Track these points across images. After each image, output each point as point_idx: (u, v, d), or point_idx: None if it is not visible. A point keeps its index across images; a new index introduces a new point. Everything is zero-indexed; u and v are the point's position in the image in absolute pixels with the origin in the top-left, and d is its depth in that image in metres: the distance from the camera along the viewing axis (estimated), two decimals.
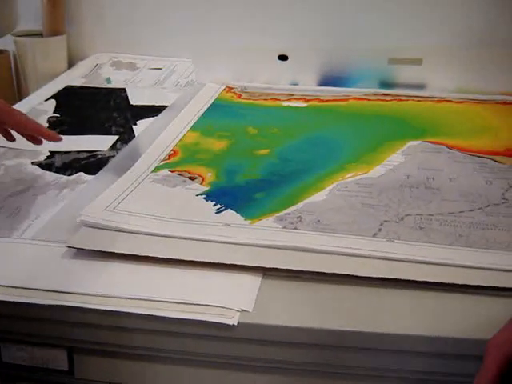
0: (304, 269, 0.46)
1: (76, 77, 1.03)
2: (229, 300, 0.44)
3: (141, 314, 0.44)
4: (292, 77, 0.92)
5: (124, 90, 0.94)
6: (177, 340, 0.45)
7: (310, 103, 0.84)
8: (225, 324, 0.42)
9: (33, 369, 0.51)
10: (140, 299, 0.45)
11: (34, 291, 0.47)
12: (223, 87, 0.90)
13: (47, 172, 0.67)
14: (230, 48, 0.94)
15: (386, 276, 0.45)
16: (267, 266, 0.47)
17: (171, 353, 0.47)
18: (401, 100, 0.84)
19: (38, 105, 0.89)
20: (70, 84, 0.99)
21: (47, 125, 0.80)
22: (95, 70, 1.07)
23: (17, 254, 0.52)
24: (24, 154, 0.72)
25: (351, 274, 0.46)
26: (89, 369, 0.50)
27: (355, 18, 1.00)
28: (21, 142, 0.74)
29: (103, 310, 0.45)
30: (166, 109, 0.84)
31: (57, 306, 0.46)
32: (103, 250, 0.49)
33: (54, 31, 1.16)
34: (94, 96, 0.93)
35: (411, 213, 0.54)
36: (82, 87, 0.98)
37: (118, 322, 0.45)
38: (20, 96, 1.12)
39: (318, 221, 0.53)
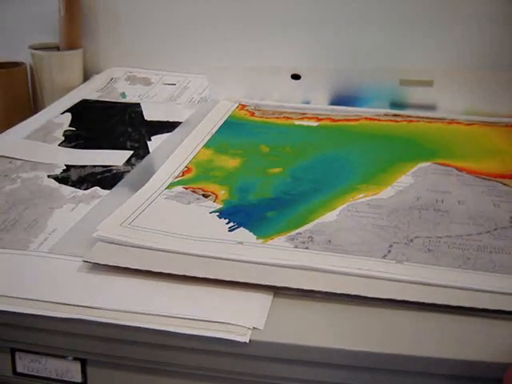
0: (315, 288, 0.47)
1: (91, 91, 1.05)
2: (241, 318, 0.45)
3: (154, 330, 0.45)
4: (304, 95, 0.93)
5: (138, 104, 0.96)
6: (189, 355, 0.46)
7: (322, 122, 0.85)
8: (237, 341, 0.43)
9: (46, 379, 0.53)
10: (153, 315, 0.46)
11: (49, 304, 0.48)
12: (236, 105, 0.92)
13: (63, 185, 0.68)
14: (244, 66, 0.96)
15: (395, 297, 0.46)
16: (279, 285, 0.48)
17: (183, 368, 0.47)
18: (412, 121, 0.85)
19: (54, 118, 0.90)
20: (85, 98, 1.00)
21: (63, 138, 0.82)
22: (110, 84, 1.09)
23: (33, 267, 0.53)
24: (40, 167, 0.73)
25: (361, 294, 0.47)
26: (102, 381, 0.51)
27: (368, 38, 1.01)
28: (37, 154, 0.76)
29: (117, 325, 0.46)
30: (180, 125, 0.85)
31: (72, 319, 0.47)
32: (118, 265, 0.50)
33: (71, 45, 1.17)
34: (109, 110, 0.94)
35: (420, 235, 0.55)
36: (97, 101, 0.99)
37: (132, 336, 0.46)
38: (36, 108, 1.13)
39: (329, 241, 0.54)
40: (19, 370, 0.53)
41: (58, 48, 1.19)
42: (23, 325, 0.49)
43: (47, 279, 0.51)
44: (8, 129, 0.88)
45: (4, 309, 0.48)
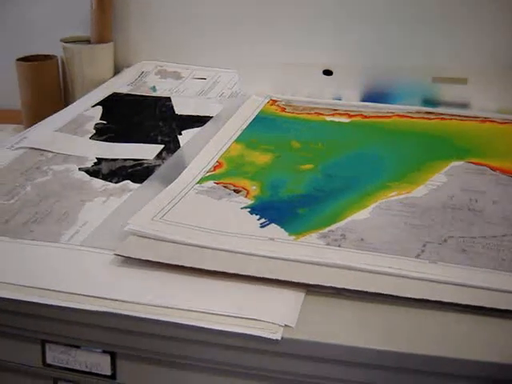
0: (347, 287, 0.47)
1: (122, 84, 1.05)
2: (273, 315, 0.44)
3: (184, 324, 0.45)
4: (336, 92, 0.93)
5: (169, 98, 0.96)
6: (220, 351, 0.46)
7: (354, 119, 0.84)
8: (269, 338, 0.43)
9: (76, 371, 0.53)
10: (184, 309, 0.45)
11: (80, 296, 0.48)
12: (267, 100, 0.91)
13: (94, 178, 0.68)
14: (276, 61, 0.95)
15: (429, 298, 0.45)
16: (311, 283, 0.47)
17: (213, 363, 0.47)
18: (444, 119, 0.84)
19: (84, 111, 0.91)
20: (116, 91, 1.00)
21: (94, 131, 0.82)
22: (140, 78, 1.09)
23: (64, 259, 0.53)
24: (72, 160, 0.73)
25: (394, 294, 0.46)
26: (131, 375, 0.51)
27: (401, 34, 1.00)
28: (68, 147, 0.76)
29: (147, 319, 0.46)
30: (211, 119, 0.85)
31: (102, 312, 0.47)
32: (150, 259, 0.50)
33: (102, 38, 1.18)
34: (139, 104, 0.94)
35: (454, 235, 0.54)
36: (128, 94, 0.99)
37: (162, 330, 0.46)
38: (66, 101, 1.14)
39: (362, 239, 0.53)
40: (49, 361, 0.53)
41: (89, 41, 1.19)
42: (54, 317, 0.50)
43: (78, 272, 0.51)
44: (39, 121, 0.89)
45: (35, 300, 0.49)
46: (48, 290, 0.49)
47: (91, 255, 0.53)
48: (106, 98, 0.97)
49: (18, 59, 1.13)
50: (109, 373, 0.51)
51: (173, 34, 1.22)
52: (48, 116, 0.91)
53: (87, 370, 0.52)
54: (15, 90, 1.16)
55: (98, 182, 0.67)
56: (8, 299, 0.49)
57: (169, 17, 1.21)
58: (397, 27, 1.02)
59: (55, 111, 0.93)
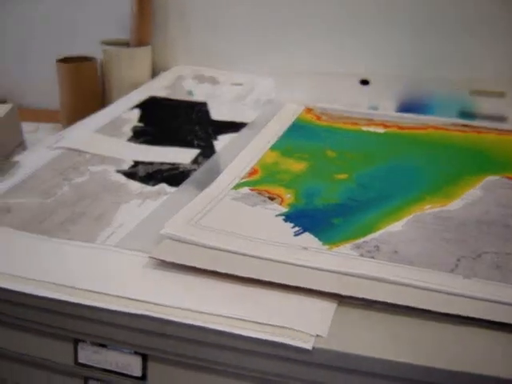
0: (379, 299, 0.47)
1: (159, 88, 1.06)
2: (304, 324, 0.44)
3: (217, 330, 0.45)
4: (372, 101, 0.93)
5: (205, 103, 0.96)
6: (249, 358, 0.46)
7: (389, 129, 0.84)
8: (300, 347, 0.43)
9: (106, 371, 0.53)
10: (216, 315, 0.46)
11: (114, 298, 0.49)
12: (303, 108, 0.91)
13: (131, 181, 0.69)
14: (313, 69, 0.95)
15: (462, 313, 0.45)
16: (343, 293, 0.47)
17: (242, 370, 0.48)
18: (481, 132, 0.83)
19: (122, 113, 0.92)
20: (153, 94, 1.01)
21: (131, 134, 0.83)
22: (178, 82, 1.10)
23: (99, 260, 0.54)
24: (109, 161, 0.74)
25: (427, 308, 0.46)
26: (161, 377, 0.52)
27: (440, 45, 1.00)
28: (106, 148, 0.77)
29: (180, 323, 0.46)
30: (247, 126, 0.86)
31: (136, 314, 0.47)
32: (185, 263, 0.51)
33: (141, 41, 1.19)
34: (176, 108, 0.95)
35: (488, 250, 0.54)
36: (165, 98, 1.00)
37: (194, 335, 0.47)
38: (104, 103, 1.15)
39: (395, 251, 0.53)
40: (81, 360, 0.54)
41: (128, 44, 1.21)
42: (87, 316, 0.50)
43: (113, 273, 0.52)
44: (78, 122, 0.90)
45: (70, 300, 0.49)
46: (82, 289, 0.50)
47: (126, 257, 0.54)
48: (144, 101, 0.98)
49: (59, 60, 1.15)
50: (139, 374, 0.52)
51: (211, 38, 1.23)
52: (86, 117, 0.92)
53: (118, 370, 0.53)
54: (55, 90, 1.18)
55: (135, 185, 0.68)
56: (43, 297, 0.50)
57: (207, 22, 1.22)
58: (436, 38, 1.01)
59: (93, 112, 0.94)
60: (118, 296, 0.49)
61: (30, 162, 0.75)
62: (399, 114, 0.89)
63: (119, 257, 0.54)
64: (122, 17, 1.24)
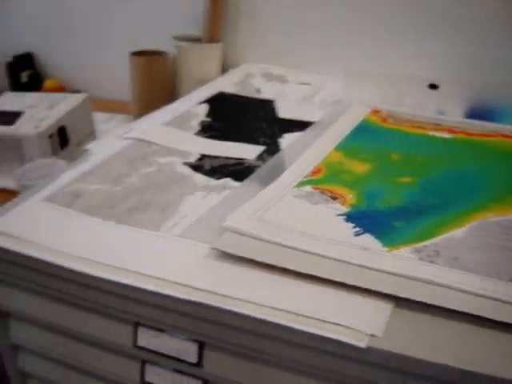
0: (436, 303, 0.47)
1: (228, 84, 1.08)
2: (360, 323, 0.45)
3: (274, 323, 0.46)
4: (439, 106, 0.92)
5: (273, 101, 0.97)
6: (306, 353, 0.47)
7: (456, 135, 0.83)
8: (354, 345, 0.43)
9: (163, 356, 0.55)
10: (273, 308, 0.47)
11: (175, 284, 0.50)
12: (369, 109, 0.91)
13: (197, 173, 0.70)
14: (381, 71, 0.95)
15: None
16: (400, 295, 0.48)
17: (294, 363, 0.49)
18: None
19: (191, 107, 0.94)
20: (222, 90, 1.03)
21: (199, 128, 0.85)
22: (246, 80, 1.11)
23: (163, 248, 0.56)
24: (176, 154, 0.76)
25: (484, 316, 0.46)
26: (217, 364, 0.53)
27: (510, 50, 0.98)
28: (174, 141, 0.79)
29: (239, 313, 0.47)
30: (313, 125, 0.86)
31: (195, 302, 0.49)
32: (245, 256, 0.52)
33: (212, 38, 1.21)
34: (244, 104, 0.96)
35: None
36: (233, 95, 1.01)
37: (251, 325, 0.48)
38: (174, 96, 1.18)
39: (456, 258, 0.53)
40: (140, 343, 0.56)
41: (199, 40, 1.23)
42: (149, 301, 0.52)
43: (175, 261, 0.54)
44: (148, 114, 0.92)
45: (134, 284, 0.51)
46: (145, 275, 0.52)
47: (188, 246, 0.56)
48: (212, 96, 0.99)
49: (132, 53, 1.18)
50: (195, 360, 0.54)
51: (280, 38, 1.24)
52: (156, 109, 0.94)
53: (175, 355, 0.54)
54: (127, 82, 1.21)
55: (200, 177, 0.69)
56: (107, 280, 0.52)
57: (278, 21, 1.23)
58: (506, 44, 1.00)
59: (163, 105, 0.96)
60: (178, 283, 0.50)
61: (100, 150, 0.78)
62: (467, 121, 0.88)
63: (182, 246, 0.56)
64: (195, 13, 1.26)
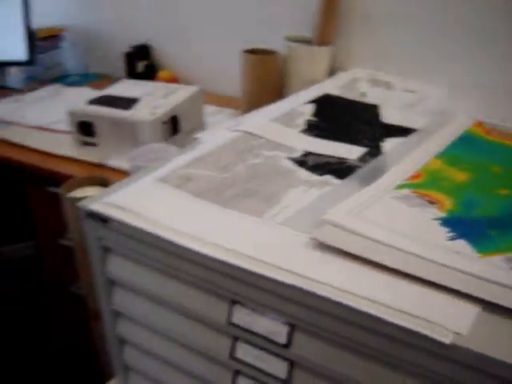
0: None
1: (334, 86, 1.11)
2: (446, 320, 0.47)
3: (364, 312, 0.49)
4: None
5: (377, 106, 0.99)
6: (392, 344, 0.50)
7: None
8: (439, 341, 0.46)
9: (253, 334, 0.59)
10: (366, 299, 0.50)
11: (274, 267, 0.54)
12: (473, 121, 0.92)
13: (300, 169, 0.74)
14: (487, 84, 0.96)
15: None
16: (488, 300, 0.49)
17: (384, 354, 0.51)
18: None
19: (298, 106, 0.97)
20: (328, 92, 1.06)
21: (305, 126, 0.88)
22: (353, 83, 1.13)
23: (265, 234, 0.60)
24: (281, 148, 0.80)
25: None
26: (305, 348, 0.56)
27: None
28: (280, 136, 0.83)
29: (333, 300, 0.50)
30: (415, 132, 0.88)
31: (291, 285, 0.52)
32: (343, 248, 0.55)
33: (323, 41, 1.25)
34: (348, 107, 0.99)
35: None
36: (338, 97, 1.04)
37: (342, 313, 0.51)
38: (282, 94, 1.22)
39: None
40: (234, 320, 0.60)
41: (310, 42, 1.27)
42: (247, 281, 0.56)
43: (276, 246, 0.57)
44: (256, 109, 0.97)
45: (234, 263, 0.55)
46: (246, 255, 0.56)
47: (289, 234, 0.59)
48: (319, 97, 1.03)
49: (245, 51, 1.23)
50: (284, 342, 0.57)
51: (390, 45, 1.26)
52: (264, 106, 0.98)
53: (265, 335, 0.58)
54: (237, 78, 1.26)
55: (303, 173, 0.73)
56: (210, 257, 0.57)
57: (389, 30, 1.25)
58: None
59: (270, 103, 1.00)
60: (277, 266, 0.54)
61: (210, 140, 0.83)
62: None
63: (282, 233, 0.59)
64: (306, 15, 1.30)
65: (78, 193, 0.85)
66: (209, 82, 1.41)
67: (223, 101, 1.41)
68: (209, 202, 0.65)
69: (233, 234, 0.59)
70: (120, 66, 1.72)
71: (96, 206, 0.66)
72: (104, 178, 0.87)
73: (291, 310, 0.55)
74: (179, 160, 0.76)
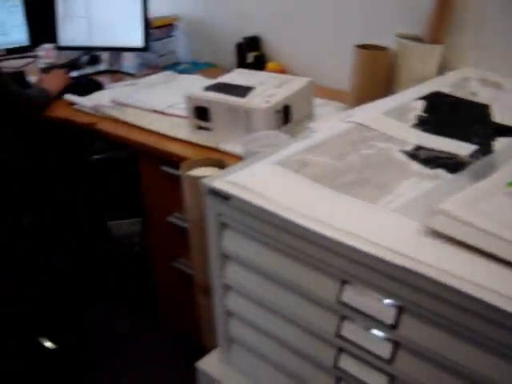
0: None
1: (444, 84, 1.11)
2: None
3: (473, 297, 0.51)
4: None
5: (488, 106, 1.00)
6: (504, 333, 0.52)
7: None
8: None
9: (359, 313, 0.62)
10: (473, 283, 0.52)
11: (387, 250, 0.57)
12: None
13: (412, 161, 0.76)
14: None
15: None
16: None
17: (494, 342, 0.53)
18: None
19: (409, 102, 0.99)
20: (438, 90, 1.07)
21: (416, 121, 0.90)
22: (462, 83, 1.14)
23: (380, 219, 0.63)
24: (393, 141, 0.82)
25: None
26: (411, 330, 0.59)
27: None
28: (392, 129, 0.86)
29: (445, 284, 0.53)
30: None
31: (403, 267, 0.55)
32: (457, 237, 0.57)
33: (435, 39, 1.25)
34: (459, 105, 1.00)
35: None
36: (449, 95, 1.05)
37: (451, 296, 0.53)
38: (390, 90, 1.24)
39: None
40: (343, 299, 0.63)
41: (420, 40, 1.28)
42: (360, 261, 0.59)
43: (389, 230, 0.61)
44: (365, 103, 0.99)
45: (347, 243, 0.59)
46: (360, 237, 0.60)
47: (402, 221, 0.62)
48: (429, 94, 1.04)
49: (357, 46, 1.26)
50: (391, 322, 0.60)
51: (502, 46, 1.25)
52: (373, 100, 1.01)
53: (373, 314, 0.61)
54: (344, 72, 1.29)
55: (415, 165, 0.75)
56: (326, 237, 0.61)
57: (504, 31, 1.24)
58: None
59: (379, 97, 1.03)
60: (389, 249, 0.57)
61: (323, 129, 0.86)
62: None
63: (396, 219, 0.63)
64: (417, 13, 1.31)
65: (196, 172, 0.90)
66: (315, 75, 1.44)
67: (330, 94, 1.44)
68: (325, 186, 0.69)
69: (348, 217, 0.63)
70: (229, 55, 1.77)
71: (218, 184, 0.70)
72: (221, 159, 0.92)
73: (401, 291, 0.58)
74: (295, 146, 0.80)
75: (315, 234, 0.61)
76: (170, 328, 1.66)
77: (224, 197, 0.70)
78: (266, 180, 0.71)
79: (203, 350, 0.93)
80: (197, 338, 1.22)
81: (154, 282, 1.58)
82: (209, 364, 0.88)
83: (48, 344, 1.67)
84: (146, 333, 1.76)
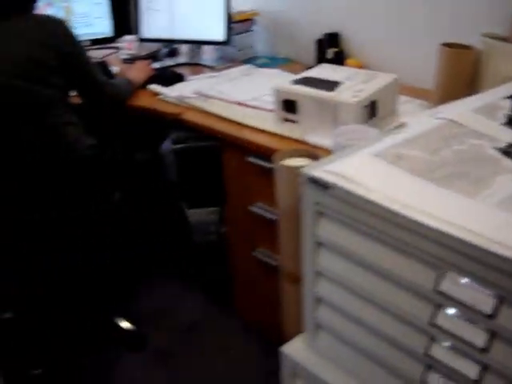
0: None
1: None
2: None
3: None
4: None
5: None
6: None
7: None
8: None
9: (458, 302, 0.64)
10: None
11: (487, 240, 0.59)
12: None
13: (506, 158, 0.77)
14: None
15: None
16: None
17: None
18: None
19: (496, 101, 1.00)
20: None
21: (505, 120, 0.91)
22: None
23: (481, 211, 0.65)
24: (484, 138, 0.83)
25: None
26: (510, 319, 0.60)
27: None
28: (482, 126, 0.87)
29: None
30: None
31: (503, 256, 0.57)
32: None
33: None
34: None
35: None
36: None
37: None
38: (474, 88, 1.24)
39: None
40: (441, 287, 0.65)
41: (506, 39, 1.28)
42: (460, 250, 0.61)
43: (490, 223, 0.62)
44: (449, 101, 1.00)
45: (451, 233, 0.61)
46: (466, 228, 0.61)
47: (503, 214, 0.64)
48: None
49: (443, 44, 1.26)
50: (489, 312, 0.61)
51: None
52: (457, 98, 1.01)
53: (470, 303, 0.63)
54: (426, 70, 1.29)
55: (509, 162, 0.76)
56: (426, 226, 0.63)
57: None
58: None
59: (464, 96, 1.03)
60: (490, 239, 0.59)
61: (414, 125, 0.88)
62: None
63: (496, 213, 0.64)
64: (503, 13, 1.30)
65: (289, 162, 0.93)
66: (395, 72, 1.45)
67: (412, 91, 1.45)
68: (422, 179, 0.71)
69: (451, 209, 0.65)
70: (308, 51, 1.80)
71: (318, 173, 0.73)
72: (312, 151, 0.95)
73: (502, 281, 0.59)
74: (389, 140, 0.82)
75: (422, 225, 0.64)
76: (244, 316, 1.69)
77: (324, 186, 0.73)
78: (366, 171, 0.74)
79: (279, 340, 0.96)
80: (272, 326, 1.24)
81: (231, 271, 1.62)
82: (294, 349, 0.91)
83: (124, 324, 1.73)
84: (221, 320, 1.80)
